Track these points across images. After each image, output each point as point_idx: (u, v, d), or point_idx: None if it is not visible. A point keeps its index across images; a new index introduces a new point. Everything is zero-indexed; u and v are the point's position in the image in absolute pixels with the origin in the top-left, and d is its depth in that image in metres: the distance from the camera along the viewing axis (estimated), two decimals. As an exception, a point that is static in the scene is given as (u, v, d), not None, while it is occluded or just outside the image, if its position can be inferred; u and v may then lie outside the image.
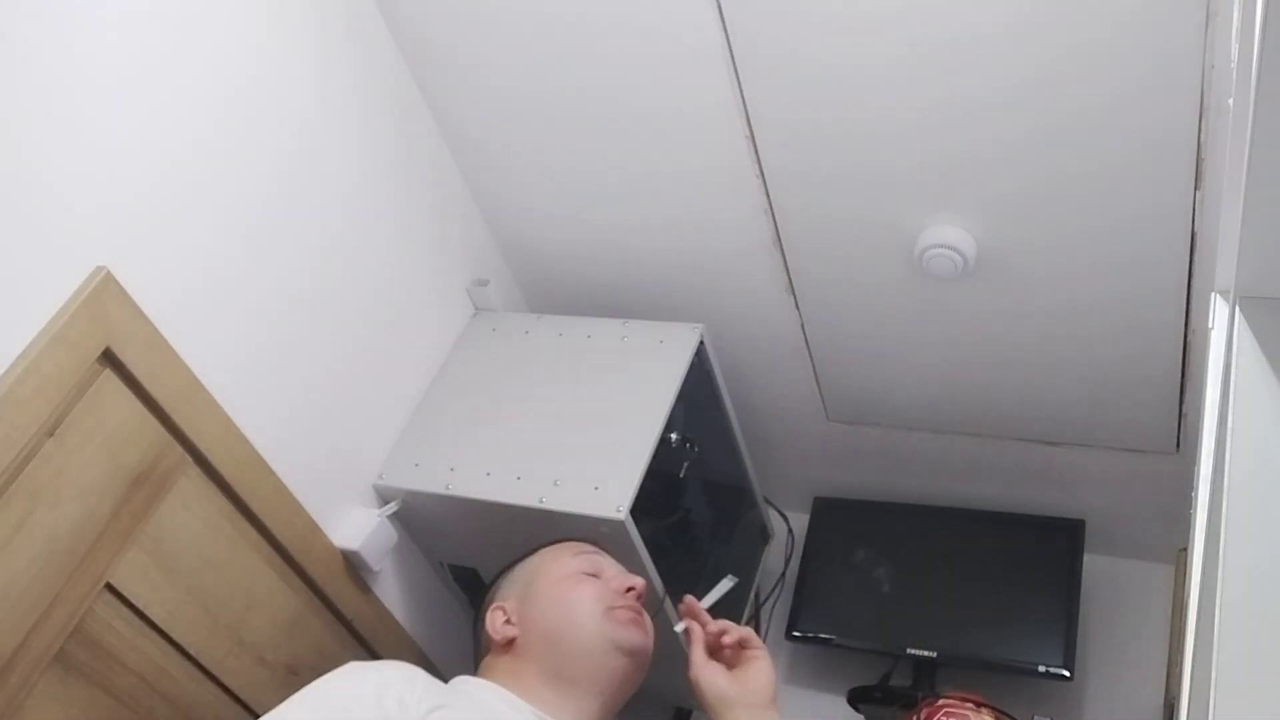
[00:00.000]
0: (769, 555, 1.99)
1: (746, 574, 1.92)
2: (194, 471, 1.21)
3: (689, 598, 1.24)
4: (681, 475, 1.62)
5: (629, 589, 1.24)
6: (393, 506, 1.51)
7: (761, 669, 1.18)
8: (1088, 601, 1.80)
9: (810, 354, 1.76)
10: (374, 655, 1.53)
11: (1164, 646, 1.65)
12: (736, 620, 1.84)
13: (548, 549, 1.31)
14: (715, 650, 1.21)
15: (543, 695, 1.15)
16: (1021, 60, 1.20)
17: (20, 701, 1.03)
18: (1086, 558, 1.78)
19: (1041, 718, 1.63)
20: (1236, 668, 0.68)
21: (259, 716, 1.31)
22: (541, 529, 1.44)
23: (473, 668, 1.25)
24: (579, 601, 1.20)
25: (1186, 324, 1.44)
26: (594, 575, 1.25)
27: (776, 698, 1.17)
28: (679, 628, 1.24)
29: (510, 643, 1.20)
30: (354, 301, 1.48)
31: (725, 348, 1.72)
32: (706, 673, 1.17)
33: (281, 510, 1.34)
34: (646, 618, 1.24)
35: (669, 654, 1.59)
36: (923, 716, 1.56)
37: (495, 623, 1.22)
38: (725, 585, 1.32)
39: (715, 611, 1.26)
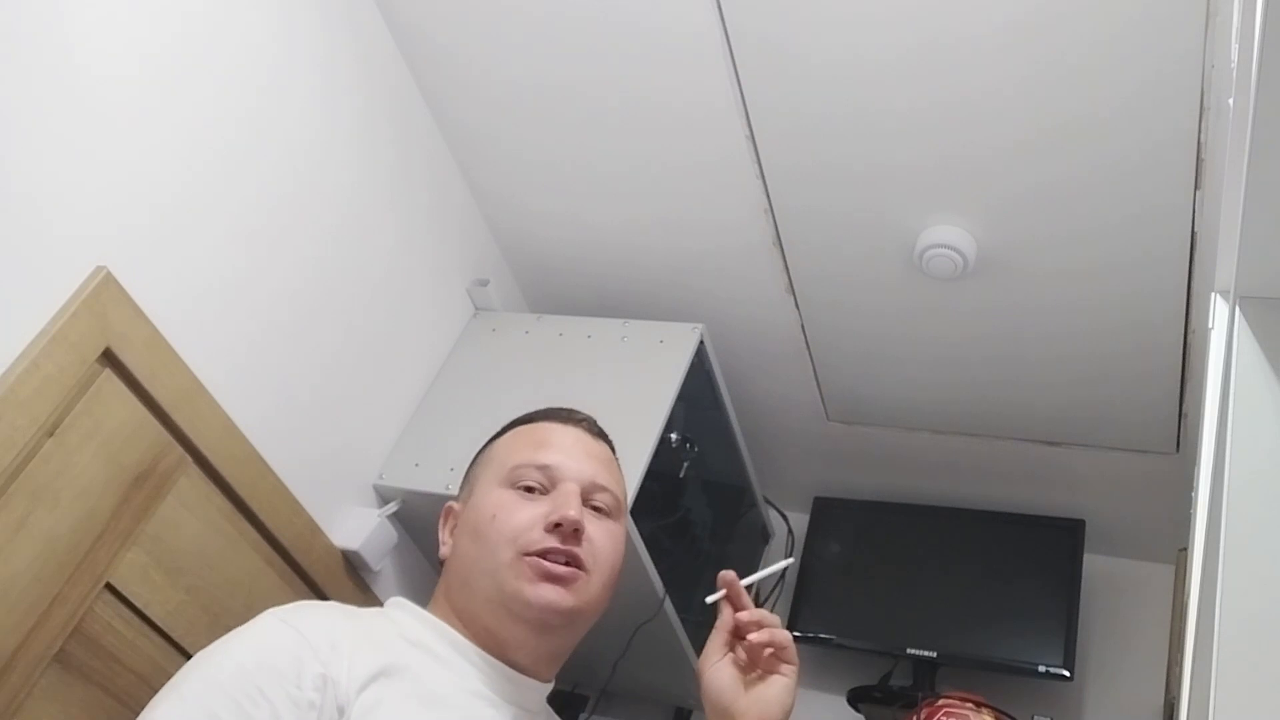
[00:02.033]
0: (769, 555, 1.99)
1: (746, 574, 1.91)
2: (194, 471, 1.21)
3: (729, 572, 1.04)
4: (681, 475, 1.62)
5: (555, 525, 1.02)
6: (393, 506, 1.51)
7: (780, 689, 1.00)
8: (1088, 601, 1.80)
9: (810, 354, 1.76)
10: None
11: (1164, 646, 1.65)
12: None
13: (520, 429, 1.14)
14: (741, 639, 1.04)
15: (478, 633, 1.02)
16: (1021, 60, 1.20)
17: (20, 701, 1.03)
18: (1086, 558, 1.78)
19: (1041, 718, 1.63)
20: (1236, 668, 0.68)
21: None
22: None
23: None
24: (494, 539, 1.02)
25: (1186, 324, 1.44)
26: (541, 490, 1.06)
27: None
28: (712, 599, 1.06)
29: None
30: (354, 301, 1.48)
31: (725, 348, 1.72)
32: (714, 669, 1.01)
33: (281, 510, 1.34)
34: (584, 569, 1.03)
35: (667, 652, 1.60)
36: (923, 716, 1.56)
37: (442, 530, 1.09)
38: (779, 566, 1.14)
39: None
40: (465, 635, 1.02)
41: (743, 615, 1.02)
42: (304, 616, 0.96)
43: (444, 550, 1.09)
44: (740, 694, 0.99)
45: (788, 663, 1.02)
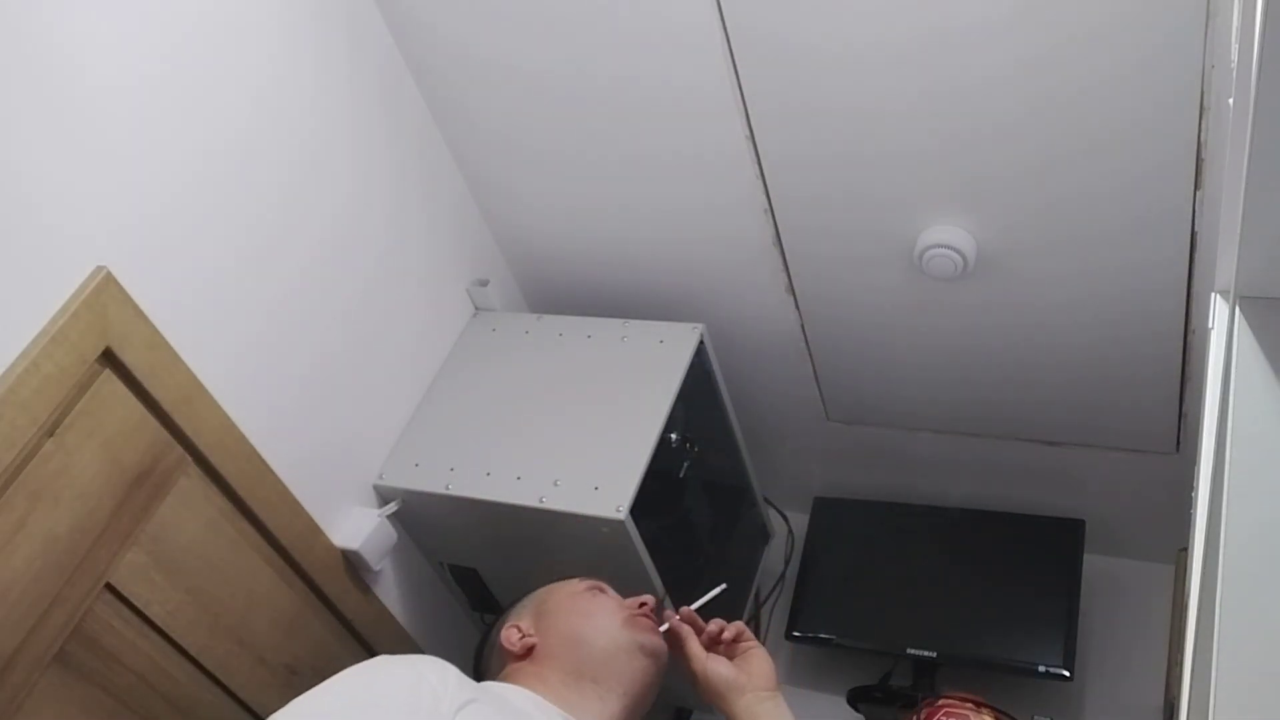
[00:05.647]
0: (769, 555, 1.99)
1: (746, 574, 1.92)
2: (194, 471, 1.21)
3: (683, 609, 1.29)
4: (681, 475, 1.62)
5: (641, 604, 1.27)
6: (393, 506, 1.51)
7: (761, 657, 1.25)
8: (1088, 601, 1.80)
9: (810, 354, 1.76)
10: (374, 655, 1.53)
11: (1164, 646, 1.65)
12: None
13: (552, 583, 1.33)
14: (712, 646, 1.27)
15: (567, 697, 1.16)
16: (1020, 58, 1.20)
17: (20, 701, 1.03)
18: (1086, 558, 1.78)
19: (1041, 718, 1.63)
20: (1236, 668, 0.68)
21: (259, 716, 1.32)
22: (541, 529, 1.44)
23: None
24: (599, 609, 1.24)
25: (1186, 324, 1.44)
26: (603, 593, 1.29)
27: (779, 683, 1.23)
28: (663, 627, 1.27)
29: (530, 651, 1.21)
30: (354, 301, 1.48)
31: (725, 348, 1.72)
32: (712, 664, 1.22)
33: (281, 510, 1.34)
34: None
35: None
36: (923, 716, 1.56)
37: (511, 637, 1.23)
38: (715, 591, 1.38)
39: (705, 613, 1.30)
40: (548, 700, 1.15)
41: (711, 628, 1.27)
42: (415, 656, 1.11)
43: (530, 640, 1.22)
44: (741, 672, 1.22)
45: (749, 640, 1.27)
